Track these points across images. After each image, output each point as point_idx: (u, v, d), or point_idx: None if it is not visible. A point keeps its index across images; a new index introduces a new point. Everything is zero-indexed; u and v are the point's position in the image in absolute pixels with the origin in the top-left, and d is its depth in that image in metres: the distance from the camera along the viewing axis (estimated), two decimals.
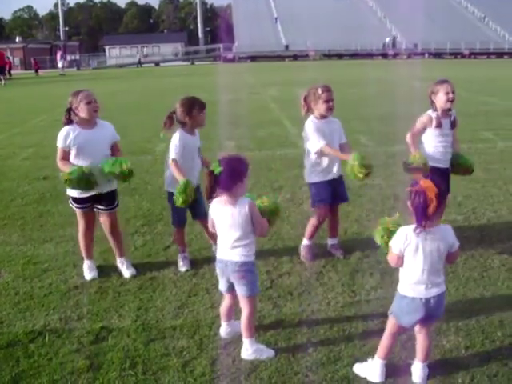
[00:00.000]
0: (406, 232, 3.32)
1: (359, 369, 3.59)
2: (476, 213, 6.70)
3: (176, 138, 5.06)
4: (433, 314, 3.42)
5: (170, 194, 5.07)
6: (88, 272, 5.18)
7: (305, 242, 5.51)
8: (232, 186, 3.64)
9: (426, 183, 3.17)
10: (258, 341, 3.90)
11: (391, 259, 3.43)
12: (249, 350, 3.80)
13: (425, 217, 3.18)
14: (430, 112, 5.39)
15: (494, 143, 10.99)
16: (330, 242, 5.61)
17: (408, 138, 5.40)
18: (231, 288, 3.88)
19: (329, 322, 4.24)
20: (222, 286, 3.94)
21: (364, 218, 6.58)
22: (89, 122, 4.89)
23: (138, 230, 6.39)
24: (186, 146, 5.06)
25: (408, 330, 3.58)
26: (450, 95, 5.23)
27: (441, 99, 5.26)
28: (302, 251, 5.48)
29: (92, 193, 4.93)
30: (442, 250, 3.33)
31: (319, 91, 5.20)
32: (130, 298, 4.74)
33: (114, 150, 5.08)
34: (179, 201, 4.67)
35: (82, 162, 4.83)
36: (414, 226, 3.28)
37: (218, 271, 3.92)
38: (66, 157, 4.89)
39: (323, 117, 5.26)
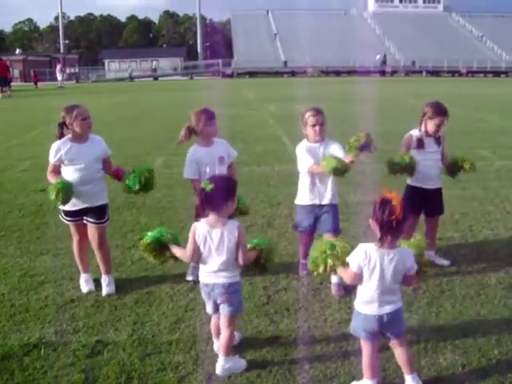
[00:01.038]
0: (365, 248, 3.32)
1: None
2: (473, 230, 6.71)
3: (188, 154, 5.09)
4: (390, 329, 3.45)
5: None
6: (84, 285, 5.17)
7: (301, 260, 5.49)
8: (223, 205, 3.60)
9: (392, 194, 3.21)
10: (244, 357, 3.93)
11: (348, 276, 3.41)
12: (224, 367, 3.75)
13: (389, 229, 3.19)
14: (412, 132, 5.43)
15: (491, 161, 11.03)
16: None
17: None
18: (218, 308, 3.85)
19: (325, 338, 4.23)
20: (209, 308, 3.89)
21: (361, 234, 6.56)
22: (82, 137, 4.90)
23: (135, 244, 6.36)
24: (201, 160, 5.03)
25: (372, 344, 3.51)
26: (441, 128, 5.31)
27: (430, 127, 5.32)
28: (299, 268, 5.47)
29: (83, 206, 4.94)
30: (398, 272, 3.34)
31: (306, 115, 5.02)
32: (127, 311, 4.72)
33: (107, 165, 5.09)
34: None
35: (73, 176, 4.85)
36: (373, 243, 3.29)
37: (203, 295, 3.86)
38: (56, 170, 4.94)
39: (316, 141, 5.04)
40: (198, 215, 3.67)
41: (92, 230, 5.09)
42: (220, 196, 3.58)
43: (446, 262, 5.61)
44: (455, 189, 8.34)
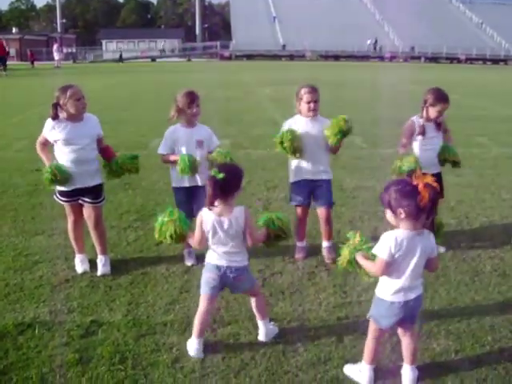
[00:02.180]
0: (395, 235, 3.21)
1: (350, 370, 3.59)
2: (469, 218, 6.71)
3: (166, 131, 5.24)
4: (411, 315, 3.42)
5: (175, 190, 5.23)
6: (80, 265, 5.16)
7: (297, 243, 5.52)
8: (233, 193, 3.61)
9: (426, 179, 3.09)
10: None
11: (378, 268, 3.27)
12: (267, 331, 3.95)
13: (421, 213, 3.12)
14: (414, 118, 5.42)
15: (488, 149, 11.03)
16: (323, 244, 5.60)
17: (400, 150, 5.42)
18: (218, 292, 3.89)
19: (320, 322, 4.24)
20: (214, 290, 3.82)
21: (357, 219, 6.58)
22: (76, 118, 4.87)
23: (130, 225, 6.37)
24: (178, 139, 5.12)
25: (388, 332, 3.56)
26: (442, 115, 5.33)
27: (432, 113, 5.31)
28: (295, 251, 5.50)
29: (79, 186, 4.92)
30: (426, 253, 3.28)
31: (301, 92, 5.19)
32: (122, 292, 4.72)
33: (99, 144, 5.07)
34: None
35: (68, 156, 4.84)
36: (401, 230, 3.21)
37: (211, 276, 3.78)
38: (45, 143, 4.95)
39: (308, 117, 5.24)
40: (211, 203, 3.61)
41: (88, 210, 5.07)
42: (232, 184, 3.58)
43: (441, 249, 5.62)
44: (451, 176, 8.33)
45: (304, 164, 5.30)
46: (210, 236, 3.70)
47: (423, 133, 5.35)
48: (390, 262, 3.23)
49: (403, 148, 5.41)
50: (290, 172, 5.45)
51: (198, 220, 3.73)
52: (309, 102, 5.14)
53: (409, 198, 3.09)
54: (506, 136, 12.52)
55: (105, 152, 5.14)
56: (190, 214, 5.17)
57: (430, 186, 3.08)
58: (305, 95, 5.16)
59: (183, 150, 5.06)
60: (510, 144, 11.55)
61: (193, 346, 3.80)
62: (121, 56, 64.40)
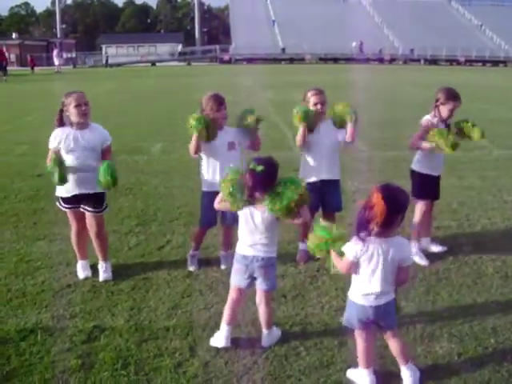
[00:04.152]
0: (362, 238, 3.30)
1: (352, 374, 3.59)
2: (470, 219, 6.71)
3: None
4: (384, 320, 3.45)
5: (205, 193, 5.14)
6: (81, 271, 5.16)
7: (300, 245, 5.53)
8: (269, 186, 3.67)
9: (376, 199, 3.13)
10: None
11: (343, 266, 3.41)
12: (269, 339, 3.96)
13: (365, 230, 3.22)
14: (429, 117, 5.40)
15: (489, 150, 11.02)
16: None
17: (412, 144, 5.43)
18: (250, 284, 3.93)
19: (322, 325, 4.24)
20: (242, 281, 3.92)
21: None
22: (79, 125, 4.86)
23: (131, 230, 6.36)
24: (211, 144, 5.04)
25: (368, 333, 3.53)
26: (454, 113, 5.32)
27: (444, 112, 5.30)
28: (298, 254, 5.50)
29: (77, 192, 4.92)
30: (394, 260, 3.31)
31: (308, 94, 5.26)
32: (123, 297, 4.72)
33: (105, 153, 5.01)
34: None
35: (69, 163, 4.84)
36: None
37: (238, 267, 3.90)
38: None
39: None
40: (251, 196, 3.71)
41: (90, 219, 5.07)
42: (270, 176, 3.67)
43: (440, 248, 5.63)
44: (453, 178, 8.36)
45: (316, 165, 5.31)
46: (241, 224, 3.83)
47: None
48: (355, 262, 3.33)
49: (415, 143, 5.41)
50: (303, 171, 5.41)
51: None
52: (316, 104, 5.19)
53: (370, 220, 3.18)
54: (506, 138, 12.52)
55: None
56: (214, 220, 5.18)
57: (383, 193, 3.14)
58: (312, 97, 5.21)
59: (216, 155, 5.04)
60: (511, 146, 11.54)
61: (221, 334, 3.91)
62: (107, 61, 64.79)
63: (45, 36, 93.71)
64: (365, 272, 3.34)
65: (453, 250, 5.69)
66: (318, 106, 5.20)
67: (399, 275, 3.38)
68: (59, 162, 4.77)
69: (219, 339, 3.92)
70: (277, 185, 3.70)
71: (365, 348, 3.52)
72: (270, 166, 3.68)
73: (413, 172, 5.58)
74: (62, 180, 4.79)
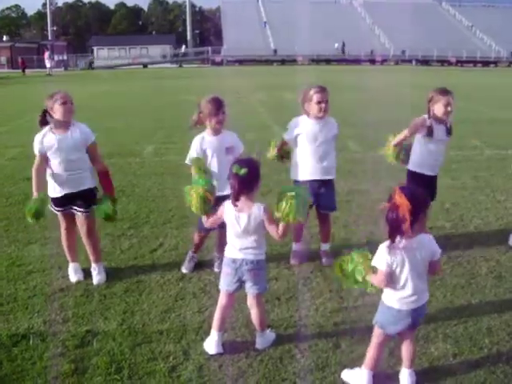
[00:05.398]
0: (386, 245, 3.25)
1: (347, 376, 3.56)
2: (464, 220, 6.72)
3: (194, 141, 5.09)
4: (417, 321, 3.43)
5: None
6: (73, 275, 5.11)
7: (293, 245, 5.50)
8: (254, 187, 3.68)
9: (400, 199, 3.10)
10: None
11: (380, 280, 3.28)
12: (263, 341, 3.95)
13: (400, 233, 3.14)
14: (426, 116, 5.37)
15: (481, 150, 11.06)
16: (321, 247, 5.58)
17: (394, 141, 5.50)
18: (238, 288, 3.89)
19: (317, 327, 4.21)
20: (231, 285, 3.87)
21: (352, 223, 6.57)
22: (63, 124, 4.81)
23: (124, 233, 6.32)
24: (209, 148, 5.00)
25: (393, 337, 3.55)
26: (449, 108, 5.22)
27: (439, 110, 5.24)
28: (291, 256, 5.47)
29: (66, 192, 4.89)
30: (425, 258, 3.28)
31: (311, 92, 5.14)
32: (116, 301, 4.68)
33: (92, 152, 4.97)
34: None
35: (57, 166, 4.81)
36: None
37: (227, 271, 3.86)
38: (42, 164, 4.88)
39: (317, 118, 5.19)
40: (237, 199, 3.69)
41: (81, 220, 5.03)
42: (254, 177, 3.66)
43: None
44: (446, 178, 8.36)
45: (314, 164, 5.26)
46: (228, 228, 3.80)
47: (430, 134, 5.31)
48: (390, 271, 3.24)
49: (399, 140, 5.48)
50: (295, 170, 5.38)
51: (220, 208, 3.84)
52: (319, 102, 5.10)
53: (392, 215, 3.13)
54: (498, 138, 12.56)
55: (101, 182, 5.09)
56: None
57: (406, 192, 3.12)
58: (315, 95, 5.11)
59: (214, 159, 4.99)
60: (502, 146, 11.57)
61: (212, 340, 3.87)
62: (90, 64, 65.99)
63: (36, 38, 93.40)
64: (399, 277, 3.27)
65: (447, 250, 5.67)
66: (322, 105, 5.11)
67: (431, 268, 3.35)
68: (41, 200, 4.82)
69: (210, 346, 3.88)
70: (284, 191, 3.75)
71: (379, 350, 3.49)
72: (253, 167, 3.66)
73: (408, 171, 5.58)
74: (37, 217, 4.85)
